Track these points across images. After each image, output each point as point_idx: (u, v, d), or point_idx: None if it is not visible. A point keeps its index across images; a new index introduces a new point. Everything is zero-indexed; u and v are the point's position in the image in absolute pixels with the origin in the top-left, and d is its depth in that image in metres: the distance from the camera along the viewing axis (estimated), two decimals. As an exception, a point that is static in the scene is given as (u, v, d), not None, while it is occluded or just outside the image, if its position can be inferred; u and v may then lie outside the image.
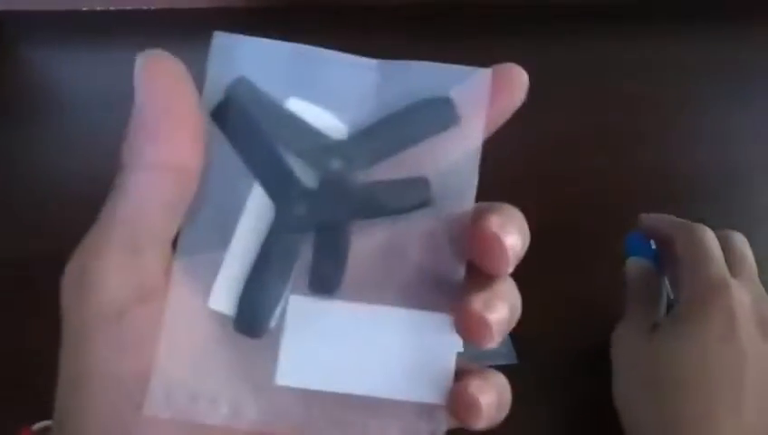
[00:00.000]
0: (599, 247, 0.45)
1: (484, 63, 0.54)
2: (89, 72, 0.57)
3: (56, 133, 0.53)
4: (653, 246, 0.39)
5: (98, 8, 0.59)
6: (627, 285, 0.38)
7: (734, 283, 0.34)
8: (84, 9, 0.60)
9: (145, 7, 0.60)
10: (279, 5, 0.60)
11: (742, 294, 0.33)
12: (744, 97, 0.57)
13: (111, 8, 0.60)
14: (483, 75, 0.21)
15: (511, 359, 0.37)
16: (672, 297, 0.38)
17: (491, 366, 0.28)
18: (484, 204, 0.20)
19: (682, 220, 0.38)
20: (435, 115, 0.20)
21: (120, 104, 0.51)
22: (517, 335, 0.30)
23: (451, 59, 0.53)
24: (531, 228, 0.36)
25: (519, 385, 0.22)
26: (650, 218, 0.39)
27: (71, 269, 0.20)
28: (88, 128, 0.52)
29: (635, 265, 0.38)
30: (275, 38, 0.21)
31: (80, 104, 0.55)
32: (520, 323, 0.31)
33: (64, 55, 0.59)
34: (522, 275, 0.32)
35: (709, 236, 0.36)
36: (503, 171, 0.44)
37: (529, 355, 0.38)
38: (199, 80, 0.19)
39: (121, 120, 0.50)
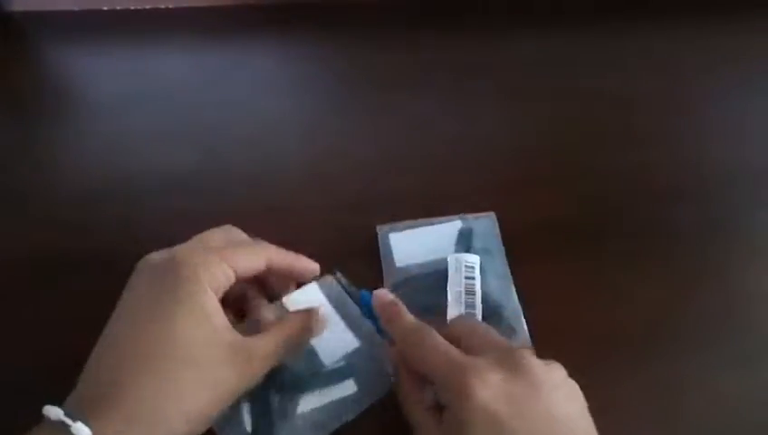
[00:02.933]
0: (600, 245, 0.45)
1: (483, 58, 0.61)
2: (109, 70, 0.58)
3: (77, 131, 0.53)
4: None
5: (118, 7, 0.62)
6: None
7: (473, 368, 0.29)
8: (105, 8, 0.62)
9: (163, 6, 0.63)
10: (290, 3, 0.64)
11: (485, 374, 0.29)
12: (748, 94, 0.58)
13: (131, 7, 0.62)
14: None
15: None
16: None
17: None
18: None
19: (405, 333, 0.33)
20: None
21: (141, 101, 0.56)
22: (544, 329, 0.39)
23: (450, 53, 0.60)
24: (533, 225, 0.45)
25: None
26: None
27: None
28: (109, 125, 0.53)
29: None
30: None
31: (100, 102, 0.55)
32: (536, 315, 0.39)
33: (85, 54, 0.60)
34: (531, 270, 0.40)
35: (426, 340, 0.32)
36: (503, 173, 0.50)
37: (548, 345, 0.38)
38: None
39: (142, 117, 0.56)
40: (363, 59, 0.61)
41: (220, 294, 0.32)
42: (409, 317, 0.34)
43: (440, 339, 0.32)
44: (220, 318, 0.31)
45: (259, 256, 0.34)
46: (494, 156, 0.52)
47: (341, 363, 0.37)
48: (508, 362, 0.30)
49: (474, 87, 0.58)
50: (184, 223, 0.44)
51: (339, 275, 0.40)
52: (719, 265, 0.45)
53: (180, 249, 0.32)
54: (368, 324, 0.38)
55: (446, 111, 0.55)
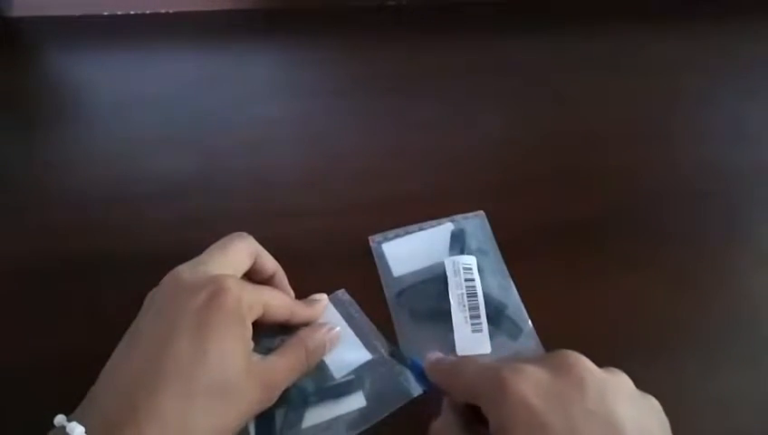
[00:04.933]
0: (600, 246, 0.45)
1: (482, 60, 0.62)
2: (110, 75, 0.58)
3: (78, 136, 0.53)
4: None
5: (118, 12, 0.63)
6: None
7: (511, 367, 0.28)
8: (105, 13, 0.63)
9: (163, 11, 0.63)
10: (289, 7, 0.64)
11: (524, 368, 0.28)
12: (749, 94, 0.58)
13: (131, 12, 0.63)
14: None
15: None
16: None
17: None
18: None
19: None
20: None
21: (142, 106, 0.57)
22: (543, 330, 0.39)
23: (449, 55, 0.61)
24: (548, 225, 0.45)
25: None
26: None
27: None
28: (110, 130, 0.53)
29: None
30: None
31: (101, 107, 0.56)
32: (546, 318, 0.39)
33: (86, 59, 0.61)
34: (529, 270, 0.40)
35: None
36: (502, 174, 0.50)
37: (547, 345, 0.39)
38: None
39: (143, 121, 0.57)
40: (363, 62, 0.61)
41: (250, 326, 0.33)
42: (450, 358, 0.35)
43: (481, 360, 0.32)
44: (250, 346, 0.32)
45: (287, 309, 0.36)
46: (493, 158, 0.52)
47: (351, 377, 0.36)
48: (552, 361, 0.28)
49: (473, 89, 0.58)
50: (184, 226, 0.45)
51: (343, 291, 0.40)
52: (719, 265, 0.45)
53: (223, 276, 0.32)
54: (380, 338, 0.38)
55: (446, 113, 0.56)
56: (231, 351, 0.30)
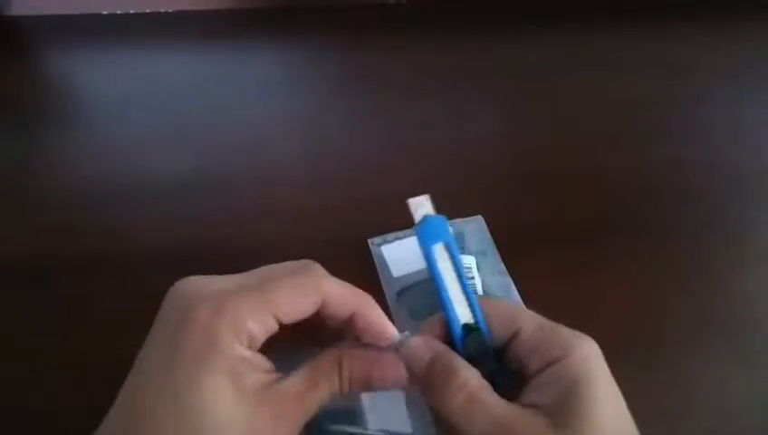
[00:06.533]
0: (601, 245, 0.45)
1: (481, 60, 0.61)
2: (109, 74, 0.59)
3: (76, 135, 0.53)
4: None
5: (118, 11, 0.63)
6: None
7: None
8: (104, 13, 0.63)
9: (162, 10, 0.63)
10: (289, 6, 0.64)
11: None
12: (743, 95, 0.59)
13: (131, 11, 0.63)
14: None
15: None
16: None
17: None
18: None
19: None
20: None
21: (140, 105, 0.57)
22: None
23: (449, 55, 0.60)
24: (546, 224, 0.45)
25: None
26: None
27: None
28: (108, 129, 0.53)
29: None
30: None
31: (100, 106, 0.56)
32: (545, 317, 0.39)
33: (84, 58, 0.61)
34: (528, 269, 0.40)
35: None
36: (500, 173, 0.50)
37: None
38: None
39: (141, 120, 0.56)
40: (362, 61, 0.61)
41: (256, 346, 0.25)
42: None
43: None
44: (246, 377, 0.24)
45: (310, 291, 0.25)
46: (492, 157, 0.52)
47: None
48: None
49: (473, 88, 0.58)
50: (183, 225, 0.45)
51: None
52: (718, 265, 0.45)
53: (197, 299, 0.24)
54: (427, 416, 0.31)
55: (445, 112, 0.56)
56: (204, 400, 0.23)
